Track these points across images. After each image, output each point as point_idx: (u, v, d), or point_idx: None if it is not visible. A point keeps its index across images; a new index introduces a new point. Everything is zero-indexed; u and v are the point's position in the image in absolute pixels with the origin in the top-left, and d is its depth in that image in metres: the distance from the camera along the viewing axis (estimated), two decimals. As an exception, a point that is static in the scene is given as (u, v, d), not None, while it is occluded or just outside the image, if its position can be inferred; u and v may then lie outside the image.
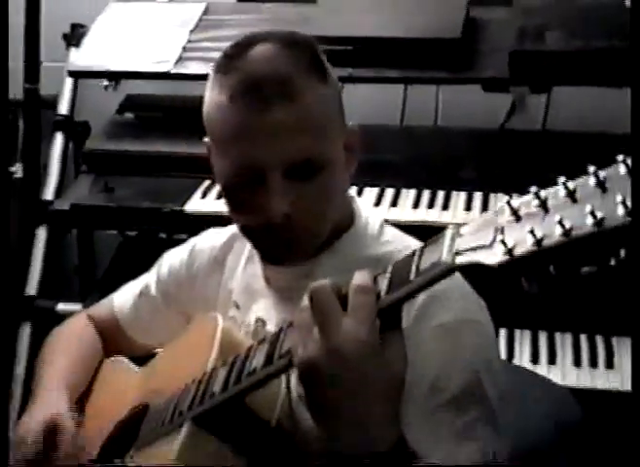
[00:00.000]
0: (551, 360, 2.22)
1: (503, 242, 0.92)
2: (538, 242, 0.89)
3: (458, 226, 1.01)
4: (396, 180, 2.44)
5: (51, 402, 1.53)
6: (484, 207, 2.30)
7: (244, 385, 1.22)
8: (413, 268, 1.03)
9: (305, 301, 1.09)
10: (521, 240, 0.91)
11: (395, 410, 1.07)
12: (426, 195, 2.41)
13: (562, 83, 2.53)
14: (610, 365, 2.20)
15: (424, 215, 2.32)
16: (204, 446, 1.27)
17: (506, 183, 2.27)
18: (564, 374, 2.16)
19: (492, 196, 2.35)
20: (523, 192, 0.96)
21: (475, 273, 0.97)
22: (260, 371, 1.20)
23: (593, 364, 2.20)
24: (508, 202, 0.95)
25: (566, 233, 0.87)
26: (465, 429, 1.26)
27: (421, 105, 2.79)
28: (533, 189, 0.94)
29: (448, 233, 1.01)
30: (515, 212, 0.94)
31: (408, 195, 2.41)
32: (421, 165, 2.48)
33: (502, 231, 0.94)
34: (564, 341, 2.28)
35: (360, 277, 1.07)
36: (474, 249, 0.96)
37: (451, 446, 1.24)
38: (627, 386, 2.14)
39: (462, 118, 2.74)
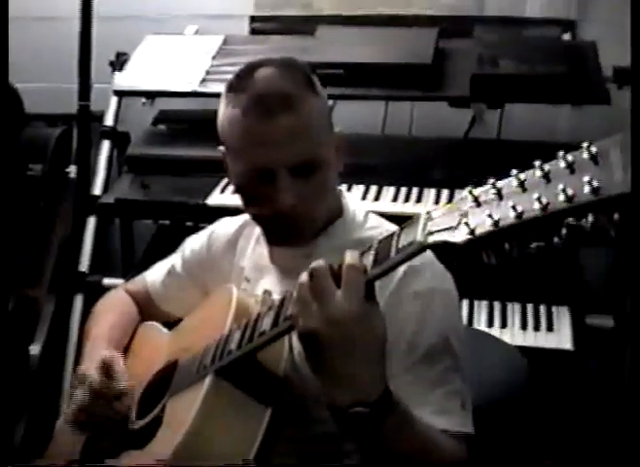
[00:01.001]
0: (503, 325, 2.21)
1: (466, 224, 0.92)
2: (495, 223, 0.88)
3: (430, 211, 1.01)
4: (378, 179, 2.42)
5: (100, 352, 1.51)
6: (450, 201, 2.26)
7: (256, 343, 1.22)
8: (393, 246, 1.03)
9: (304, 277, 1.09)
10: (481, 222, 0.90)
11: (380, 367, 1.08)
12: (403, 191, 2.39)
13: (513, 100, 2.51)
14: (550, 328, 2.18)
15: (401, 207, 2.31)
16: (225, 393, 1.26)
17: (468, 181, 2.25)
18: (513, 335, 2.14)
19: (457, 192, 2.34)
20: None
21: (443, 250, 0.96)
22: (268, 331, 1.20)
23: (537, 328, 2.19)
24: (470, 191, 0.94)
25: (518, 215, 0.87)
26: (439, 376, 1.26)
27: (399, 118, 2.77)
28: (490, 180, 0.93)
29: (422, 217, 1.01)
30: (476, 199, 0.93)
31: (389, 191, 2.40)
32: (399, 167, 2.46)
33: (466, 215, 0.93)
34: (514, 310, 2.26)
35: (351, 257, 1.07)
36: (443, 230, 0.95)
37: (428, 391, 1.24)
38: (564, 345, 2.13)
39: (432, 128, 2.72)
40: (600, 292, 2.41)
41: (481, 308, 2.25)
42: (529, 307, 2.26)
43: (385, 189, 2.40)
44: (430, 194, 2.37)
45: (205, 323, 1.43)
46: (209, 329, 1.37)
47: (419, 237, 0.98)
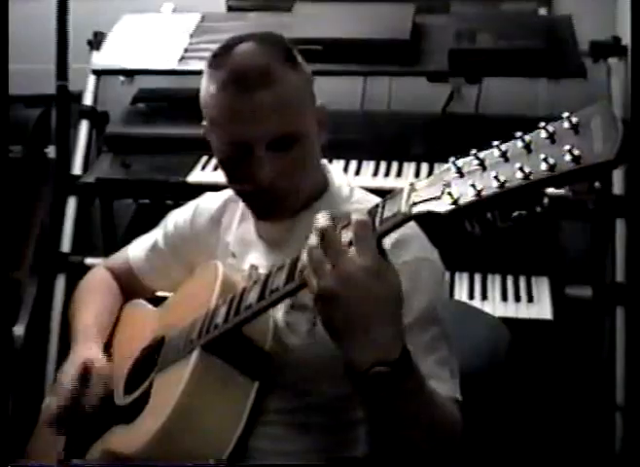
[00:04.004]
0: (484, 296, 2.22)
1: (450, 194, 0.93)
2: (478, 193, 0.89)
3: (413, 183, 1.01)
4: (358, 154, 2.43)
5: (84, 350, 1.52)
6: (430, 175, 2.28)
7: (243, 316, 1.23)
8: (377, 218, 1.03)
9: (314, 239, 1.06)
10: (465, 192, 0.91)
11: (399, 324, 1.07)
12: (383, 166, 2.40)
13: (491, 74, 2.52)
14: (530, 299, 2.21)
15: (382, 182, 2.31)
16: (213, 367, 1.27)
17: (447, 155, 2.25)
18: (494, 307, 2.17)
19: (437, 166, 2.34)
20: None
21: (427, 221, 0.97)
22: (255, 304, 1.20)
23: (517, 299, 2.21)
24: (453, 162, 0.95)
25: (501, 185, 0.88)
26: (429, 344, 1.28)
27: (377, 94, 2.77)
28: (473, 151, 0.94)
29: (405, 188, 1.01)
30: (459, 170, 0.94)
31: (369, 166, 2.40)
32: (378, 142, 2.46)
33: (449, 185, 0.94)
34: (494, 281, 2.28)
35: (359, 215, 1.05)
36: (426, 201, 0.96)
37: (419, 358, 1.23)
38: (544, 315, 2.15)
39: (410, 104, 2.72)
40: (579, 263, 2.43)
41: (463, 280, 2.27)
42: (509, 279, 2.28)
43: (365, 163, 2.41)
44: (410, 168, 2.37)
45: (191, 299, 1.43)
46: (195, 305, 1.37)
47: (403, 208, 0.99)
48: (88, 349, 1.52)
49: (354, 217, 1.05)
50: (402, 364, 1.06)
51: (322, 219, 1.07)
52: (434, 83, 2.59)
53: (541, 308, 2.17)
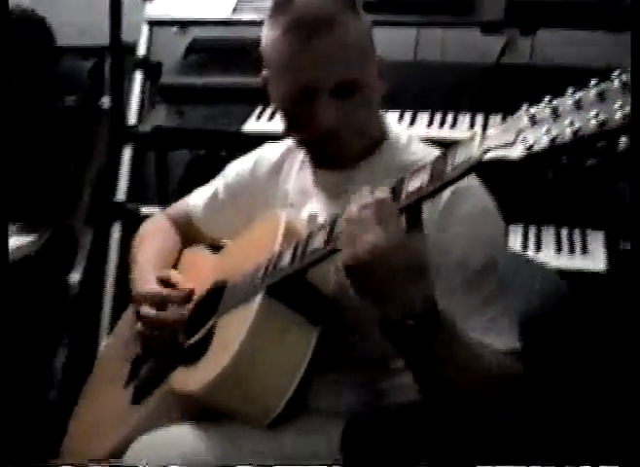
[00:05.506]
0: (538, 248, 2.22)
1: (523, 141, 0.93)
2: (553, 140, 0.89)
3: (485, 130, 1.02)
4: (413, 104, 2.43)
5: (150, 273, 1.56)
6: (485, 126, 2.28)
7: (309, 260, 1.25)
8: (449, 163, 1.04)
9: (353, 211, 1.11)
10: (539, 139, 0.91)
11: (425, 282, 1.10)
12: (438, 116, 2.39)
13: (548, 25, 2.48)
14: (584, 251, 2.20)
15: (436, 132, 2.30)
16: (276, 310, 1.29)
17: (500, 106, 2.27)
18: (548, 258, 2.15)
19: (491, 116, 2.32)
20: (514, 112, 0.97)
21: (498, 168, 0.97)
22: (321, 248, 1.22)
23: (571, 250, 2.21)
24: (526, 110, 0.95)
25: (575, 132, 0.88)
26: (488, 295, 1.29)
27: (430, 44, 2.74)
28: (547, 98, 0.94)
29: (478, 135, 1.01)
30: (532, 117, 0.94)
31: (423, 116, 2.40)
32: (433, 93, 2.46)
33: (522, 132, 0.94)
34: (548, 233, 2.27)
35: (381, 192, 1.11)
36: (499, 147, 0.96)
37: (478, 309, 1.26)
38: (598, 267, 2.15)
39: (463, 55, 2.69)
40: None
41: (517, 232, 2.26)
42: (564, 231, 2.27)
43: (420, 114, 2.40)
44: (465, 118, 2.36)
45: (253, 245, 1.45)
46: (257, 251, 1.39)
47: (476, 154, 0.99)
48: (151, 274, 1.55)
49: (376, 194, 1.10)
50: (429, 319, 1.11)
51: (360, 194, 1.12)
52: (487, 34, 2.56)
53: (595, 261, 2.16)
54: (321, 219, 1.42)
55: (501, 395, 1.26)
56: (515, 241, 2.22)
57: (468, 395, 1.23)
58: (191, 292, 1.51)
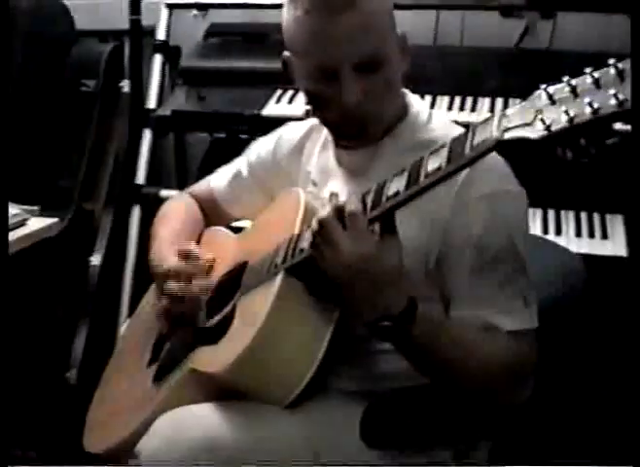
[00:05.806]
0: (558, 232, 2.22)
1: (542, 121, 0.93)
2: (571, 120, 0.90)
3: (503, 110, 1.02)
4: (432, 88, 2.43)
5: (170, 247, 1.56)
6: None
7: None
8: (468, 143, 1.04)
9: (314, 225, 1.21)
10: (557, 119, 0.92)
11: (398, 286, 1.18)
12: (457, 100, 2.39)
13: (568, 9, 2.48)
14: (605, 236, 2.20)
15: (456, 116, 2.30)
16: (297, 291, 1.31)
17: (520, 90, 2.25)
18: (568, 242, 2.15)
19: (510, 100, 2.33)
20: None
21: (517, 148, 0.98)
22: None
23: (591, 235, 2.21)
24: (545, 89, 0.96)
25: (594, 111, 0.88)
26: (505, 277, 1.29)
27: (450, 28, 2.74)
28: (565, 78, 0.94)
29: (496, 115, 1.02)
30: (550, 97, 0.94)
31: (443, 100, 2.40)
32: (452, 77, 2.46)
33: (541, 112, 0.95)
34: (568, 217, 2.28)
35: (351, 203, 1.18)
36: (518, 126, 0.97)
37: (495, 292, 1.27)
38: (618, 252, 2.15)
39: (483, 39, 2.68)
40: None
41: (536, 216, 2.26)
42: (583, 215, 2.27)
43: (439, 98, 2.41)
44: (484, 102, 2.36)
45: (273, 226, 1.46)
46: (278, 231, 1.40)
47: (495, 133, 0.99)
48: (167, 257, 1.55)
49: (347, 206, 1.18)
50: (405, 318, 1.18)
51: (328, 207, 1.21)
52: (507, 17, 2.55)
53: (615, 245, 2.16)
54: (342, 198, 1.43)
55: (512, 377, 1.27)
56: (534, 226, 2.21)
57: (469, 380, 1.27)
58: (211, 261, 1.53)
